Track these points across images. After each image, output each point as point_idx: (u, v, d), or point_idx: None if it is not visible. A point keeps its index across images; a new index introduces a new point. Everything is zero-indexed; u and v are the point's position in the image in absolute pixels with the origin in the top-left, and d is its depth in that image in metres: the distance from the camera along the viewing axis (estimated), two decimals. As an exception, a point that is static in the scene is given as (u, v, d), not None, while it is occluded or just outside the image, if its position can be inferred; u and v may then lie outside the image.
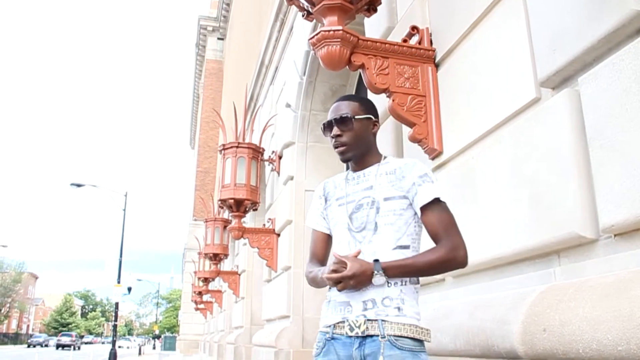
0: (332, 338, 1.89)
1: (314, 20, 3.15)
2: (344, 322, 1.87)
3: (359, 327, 1.83)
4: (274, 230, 7.48)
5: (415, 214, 1.94)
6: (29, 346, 54.03)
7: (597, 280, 1.76)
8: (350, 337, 1.84)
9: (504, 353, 2.07)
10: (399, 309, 1.83)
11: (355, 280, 1.78)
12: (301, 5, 2.99)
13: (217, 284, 16.64)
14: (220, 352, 15.11)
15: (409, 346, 1.79)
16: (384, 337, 1.78)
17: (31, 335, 65.41)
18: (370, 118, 2.09)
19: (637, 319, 1.50)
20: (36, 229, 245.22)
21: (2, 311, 65.45)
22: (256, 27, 12.30)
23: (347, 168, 2.19)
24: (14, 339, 65.85)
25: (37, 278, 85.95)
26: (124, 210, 22.69)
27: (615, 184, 1.74)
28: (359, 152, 2.05)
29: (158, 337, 56.43)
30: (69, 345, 46.91)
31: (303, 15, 3.10)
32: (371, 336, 1.81)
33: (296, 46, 7.06)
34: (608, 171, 1.78)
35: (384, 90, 2.92)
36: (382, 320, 1.81)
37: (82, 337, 75.11)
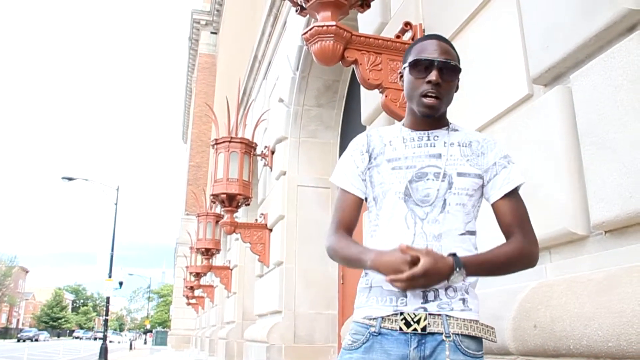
0: (379, 333, 1.54)
1: (308, 16, 3.14)
2: (396, 314, 1.52)
3: (418, 322, 1.50)
4: (266, 225, 7.48)
5: (481, 197, 1.67)
6: (18, 340, 53.70)
7: (587, 276, 1.77)
8: (406, 333, 1.50)
9: (495, 349, 2.08)
10: (464, 301, 1.54)
11: (428, 279, 1.41)
12: (295, 0, 2.99)
13: (209, 278, 16.61)
14: (212, 347, 15.11)
15: (472, 350, 1.51)
16: (449, 336, 1.49)
17: (21, 330, 65.10)
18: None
19: (627, 316, 1.51)
20: (27, 223, 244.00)
21: (-8, 305, 65.21)
22: (249, 22, 12.25)
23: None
24: (4, 333, 65.43)
25: (27, 272, 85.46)
26: (116, 204, 22.57)
27: (606, 181, 1.75)
28: (443, 111, 1.68)
29: (149, 331, 56.34)
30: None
31: (297, 11, 3.09)
32: (432, 334, 1.50)
33: (289, 41, 7.04)
34: (599, 168, 1.79)
35: (377, 86, 2.92)
36: (447, 315, 1.51)
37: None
